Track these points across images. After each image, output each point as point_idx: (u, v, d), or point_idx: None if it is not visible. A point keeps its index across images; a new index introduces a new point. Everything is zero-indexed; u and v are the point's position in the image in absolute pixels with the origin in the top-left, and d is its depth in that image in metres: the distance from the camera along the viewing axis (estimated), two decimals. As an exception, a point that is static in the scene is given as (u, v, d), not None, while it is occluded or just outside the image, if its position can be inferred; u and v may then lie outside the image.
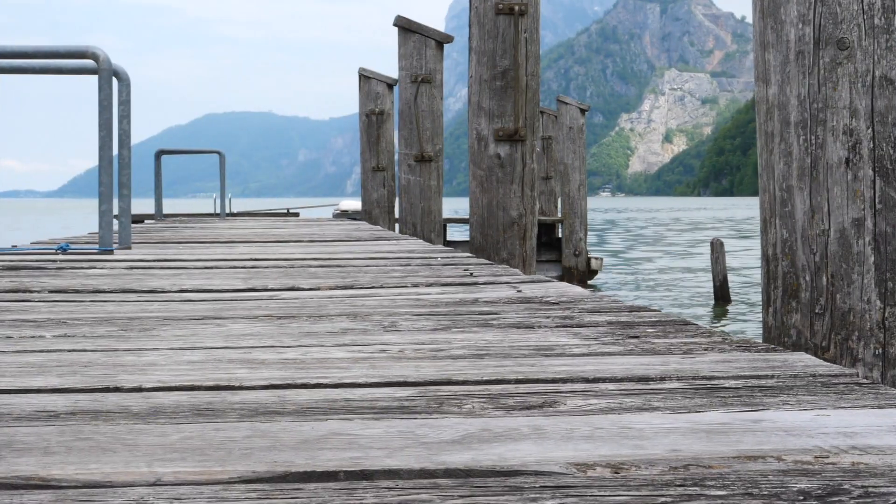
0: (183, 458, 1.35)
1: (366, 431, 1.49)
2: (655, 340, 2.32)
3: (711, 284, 13.95)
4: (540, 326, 2.58)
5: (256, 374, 1.95)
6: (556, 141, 17.90)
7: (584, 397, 1.73)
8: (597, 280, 16.53)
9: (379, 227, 10.52)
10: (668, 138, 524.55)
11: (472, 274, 4.19)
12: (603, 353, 2.16)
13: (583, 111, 16.51)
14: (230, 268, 4.76)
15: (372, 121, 12.36)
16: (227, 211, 14.10)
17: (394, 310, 2.97)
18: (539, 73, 6.07)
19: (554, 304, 3.05)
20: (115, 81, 6.16)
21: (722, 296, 13.44)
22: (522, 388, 1.81)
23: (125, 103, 6.43)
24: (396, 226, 12.60)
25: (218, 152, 14.94)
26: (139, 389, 1.83)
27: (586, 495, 1.19)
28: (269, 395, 1.76)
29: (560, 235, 17.09)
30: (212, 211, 18.46)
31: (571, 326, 2.57)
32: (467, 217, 20.38)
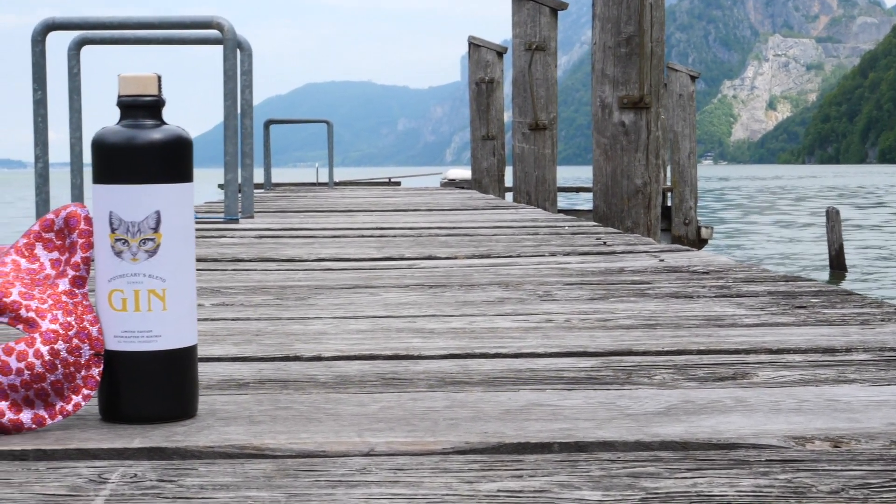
0: (391, 429, 1.34)
1: (565, 402, 1.48)
2: (826, 311, 2.27)
3: (826, 254, 13.74)
4: (699, 296, 2.54)
5: (432, 344, 1.94)
6: (666, 108, 17.73)
7: (773, 368, 1.70)
8: (706, 249, 16.38)
9: (491, 196, 10.50)
10: (771, 105, 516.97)
11: (605, 243, 4.15)
12: (777, 324, 2.11)
13: (693, 78, 16.33)
14: (358, 236, 4.77)
15: (482, 89, 12.32)
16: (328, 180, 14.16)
17: (542, 279, 2.94)
18: (664, 39, 6.00)
19: (703, 273, 3.00)
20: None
21: (838, 265, 13.23)
22: (707, 358, 1.78)
23: (247, 73, 6.47)
24: (506, 194, 12.58)
25: (326, 122, 15.02)
26: (319, 358, 1.83)
27: (818, 469, 1.16)
28: (451, 365, 1.75)
29: (669, 204, 16.94)
30: (312, 180, 18.58)
31: (732, 296, 2.53)
32: (577, 185, 20.26)
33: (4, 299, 1.35)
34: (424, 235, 4.77)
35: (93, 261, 1.40)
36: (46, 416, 1.35)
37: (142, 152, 1.35)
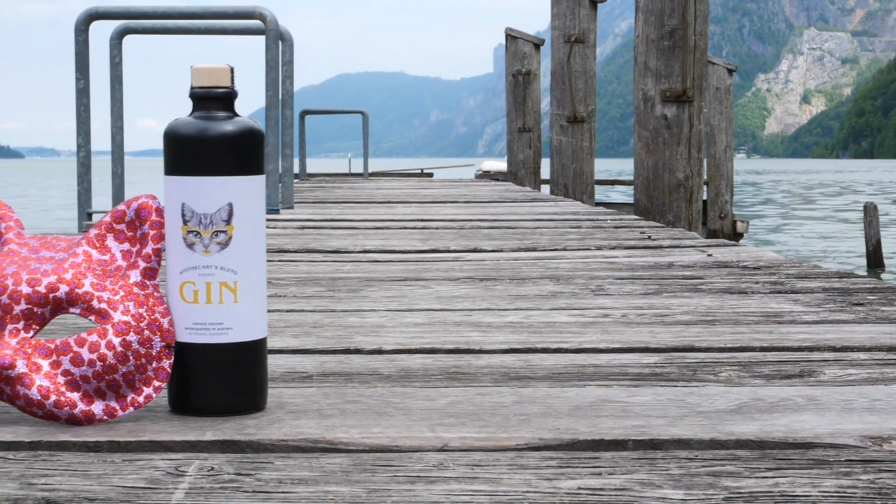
0: (462, 424, 1.34)
1: (634, 399, 1.47)
2: (884, 308, 2.25)
3: (864, 249, 13.65)
4: (753, 292, 2.53)
5: (491, 338, 1.93)
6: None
7: (840, 367, 1.68)
8: (742, 243, 16.27)
9: (528, 188, 10.49)
10: (805, 99, 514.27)
11: (650, 237, 4.14)
12: (836, 321, 2.10)
13: (730, 71, 16.25)
14: (400, 228, 4.77)
15: (518, 81, 12.30)
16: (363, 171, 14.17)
17: (592, 273, 2.93)
18: (707, 32, 5.97)
19: (754, 269, 2.99)
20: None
21: (875, 262, 13.14)
22: (770, 356, 1.77)
23: (288, 64, 6.48)
24: (542, 187, 12.55)
25: (361, 112, 15.02)
26: (380, 352, 1.82)
27: (900, 471, 1.15)
28: (513, 360, 1.75)
29: (705, 198, 16.87)
30: (345, 170, 18.59)
31: (786, 293, 2.51)
32: (612, 178, 20.18)
33: (77, 290, 1.36)
34: (467, 228, 4.76)
35: (164, 252, 1.40)
36: (118, 408, 1.35)
37: (215, 144, 1.35)
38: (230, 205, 1.35)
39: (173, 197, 1.37)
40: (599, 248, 3.69)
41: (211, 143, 1.35)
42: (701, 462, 1.18)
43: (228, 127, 1.36)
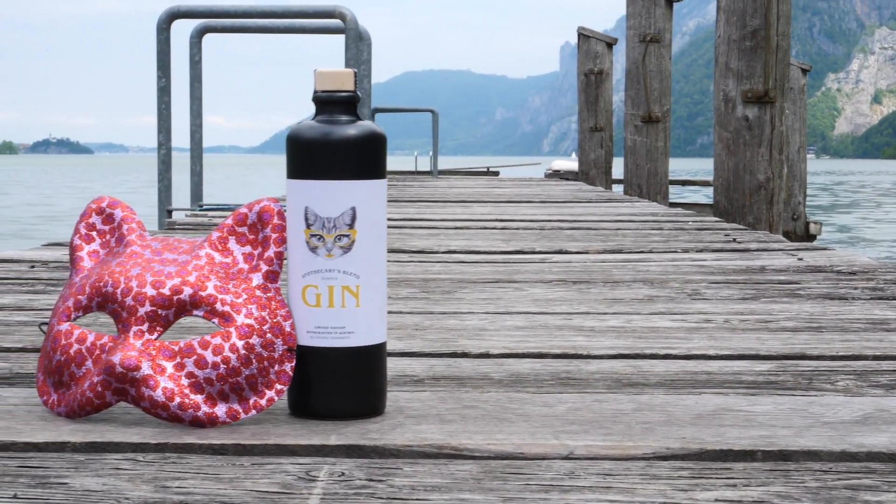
0: (586, 431, 1.33)
1: (755, 408, 1.45)
2: None
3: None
4: (854, 298, 2.49)
5: (597, 343, 1.92)
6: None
7: (958, 377, 1.65)
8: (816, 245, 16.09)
9: (601, 188, 10.45)
10: (876, 99, 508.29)
11: (735, 240, 4.10)
12: (945, 329, 2.07)
13: (804, 71, 16.09)
14: (480, 228, 4.76)
15: (590, 80, 12.25)
16: (432, 169, 14.20)
17: (684, 276, 2.91)
18: (789, 33, 5.91)
19: (850, 274, 2.95)
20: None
21: (952, 264, 12.97)
22: (885, 364, 1.74)
23: (366, 63, 6.49)
24: (614, 186, 12.50)
25: (431, 111, 15.04)
26: (487, 356, 1.82)
27: None
28: (623, 365, 1.73)
29: (776, 199, 16.70)
30: (411, 168, 18.61)
31: (888, 299, 2.47)
32: (684, 178, 20.04)
33: (200, 293, 1.36)
34: (547, 228, 4.75)
35: (285, 256, 1.40)
36: (240, 411, 1.35)
37: (339, 148, 1.35)
38: (353, 209, 1.35)
39: (296, 200, 1.37)
40: (686, 251, 3.67)
41: (335, 148, 1.35)
42: (836, 475, 1.16)
43: (352, 131, 1.36)
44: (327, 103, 1.38)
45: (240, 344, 1.34)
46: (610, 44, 12.32)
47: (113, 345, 1.36)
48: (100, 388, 1.34)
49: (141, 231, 1.47)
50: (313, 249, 1.36)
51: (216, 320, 1.36)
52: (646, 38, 9.20)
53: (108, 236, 1.49)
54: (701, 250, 3.69)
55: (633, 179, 9.42)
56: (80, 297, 1.41)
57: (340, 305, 1.36)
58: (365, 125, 1.37)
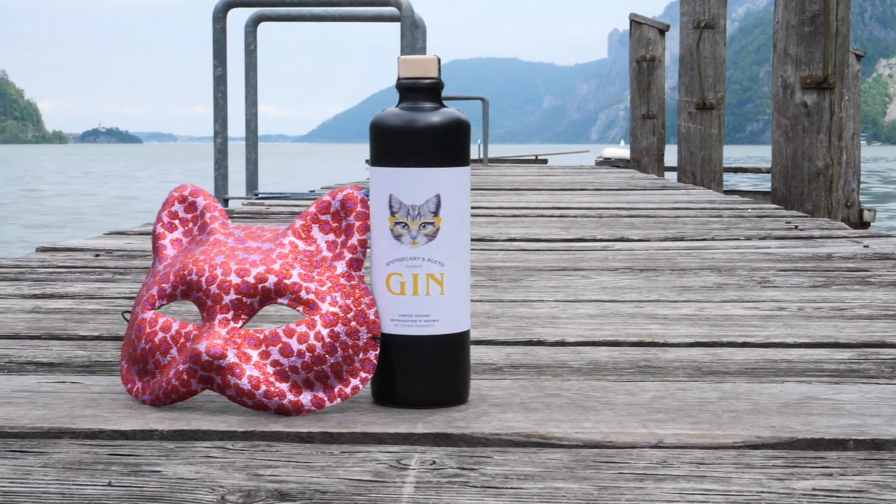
0: (673, 420, 1.32)
1: (841, 396, 1.43)
2: None
3: None
4: (926, 285, 2.47)
5: (672, 331, 1.91)
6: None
7: None
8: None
9: (653, 176, 10.40)
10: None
11: (797, 227, 4.07)
12: None
13: (858, 57, 15.93)
14: (538, 216, 4.75)
15: (643, 67, 12.19)
16: (482, 158, 14.18)
17: (751, 264, 2.89)
18: (849, 18, 5.85)
19: (919, 261, 2.92)
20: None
21: None
22: (968, 353, 1.72)
23: (421, 51, 6.48)
24: (665, 174, 12.43)
25: (481, 98, 15.03)
26: (563, 343, 1.81)
27: None
28: (701, 353, 1.72)
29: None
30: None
31: (962, 286, 2.45)
32: (736, 166, 19.91)
33: (285, 280, 1.36)
34: (605, 216, 4.73)
35: (368, 243, 1.40)
36: (326, 399, 1.35)
37: (423, 135, 1.35)
38: (438, 196, 1.35)
39: (380, 188, 1.36)
40: (749, 239, 3.64)
41: (419, 135, 1.35)
42: (933, 464, 1.15)
43: (436, 118, 1.35)
44: (411, 90, 1.37)
45: (325, 332, 1.34)
46: (662, 30, 12.25)
47: (198, 333, 1.36)
48: (185, 377, 1.35)
49: (223, 219, 1.47)
50: (398, 237, 1.35)
51: (301, 308, 1.36)
52: (700, 24, 9.14)
53: (190, 224, 1.49)
54: (764, 238, 3.66)
55: (687, 167, 9.37)
56: (164, 285, 1.41)
57: (425, 293, 1.36)
58: (449, 112, 1.36)
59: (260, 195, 6.13)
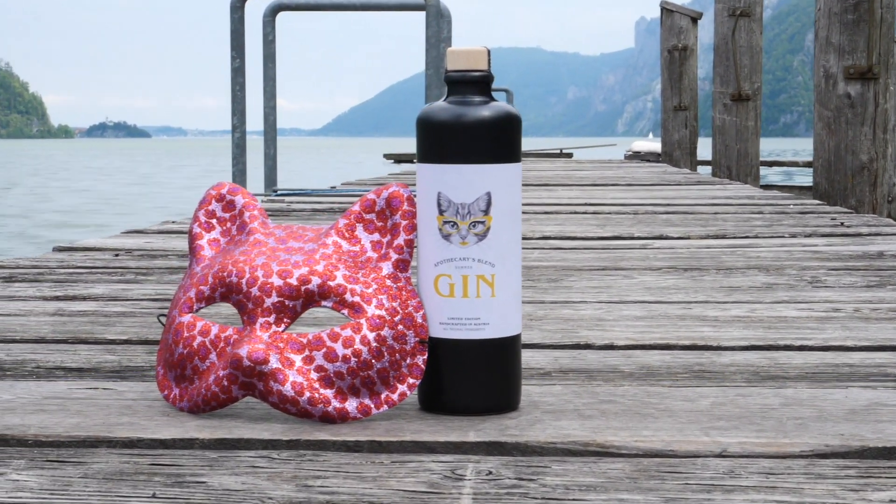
0: (735, 427, 1.31)
1: (910, 403, 1.42)
2: None
3: None
4: None
5: (725, 334, 1.90)
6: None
7: None
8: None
9: (686, 170, 10.37)
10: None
11: (843, 224, 4.05)
12: None
13: (899, 45, 15.85)
14: (570, 213, 4.74)
15: (674, 57, 12.16)
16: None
17: (799, 263, 2.87)
18: (894, 4, 5.82)
19: (975, 259, 2.90)
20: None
21: None
22: None
23: (446, 40, 6.48)
24: (699, 168, 12.40)
25: (505, 90, 15.03)
26: (612, 347, 1.80)
27: None
28: (758, 357, 1.71)
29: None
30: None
31: None
32: (771, 160, 19.83)
33: (329, 283, 1.36)
34: (641, 213, 4.71)
35: (415, 243, 1.39)
36: (372, 406, 1.35)
37: (473, 130, 1.34)
38: (489, 194, 1.34)
39: (428, 186, 1.36)
40: (794, 236, 3.62)
41: (469, 130, 1.34)
42: None
43: (486, 112, 1.35)
44: (460, 83, 1.37)
45: (371, 336, 1.33)
46: (695, 18, 12.22)
47: (238, 337, 1.36)
48: (226, 383, 1.34)
49: (263, 218, 1.47)
50: (446, 237, 1.35)
51: (346, 311, 1.35)
52: (735, 12, 9.11)
53: (228, 224, 1.49)
54: (809, 235, 3.65)
55: (722, 161, 9.34)
56: (202, 287, 1.41)
57: (475, 295, 1.35)
58: (499, 106, 1.36)
59: (279, 192, 6.13)
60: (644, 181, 7.69)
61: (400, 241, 1.39)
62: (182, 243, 3.42)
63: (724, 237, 3.63)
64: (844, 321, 2.01)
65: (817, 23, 5.86)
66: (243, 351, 1.33)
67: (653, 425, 1.32)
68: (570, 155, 20.22)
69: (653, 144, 17.62)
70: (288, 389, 1.32)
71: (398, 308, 1.35)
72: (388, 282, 1.37)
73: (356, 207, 1.42)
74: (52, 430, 1.31)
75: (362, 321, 1.34)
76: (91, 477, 1.15)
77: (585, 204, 5.28)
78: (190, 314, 1.41)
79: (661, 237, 3.64)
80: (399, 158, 27.79)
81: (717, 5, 9.29)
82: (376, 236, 1.41)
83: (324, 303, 1.36)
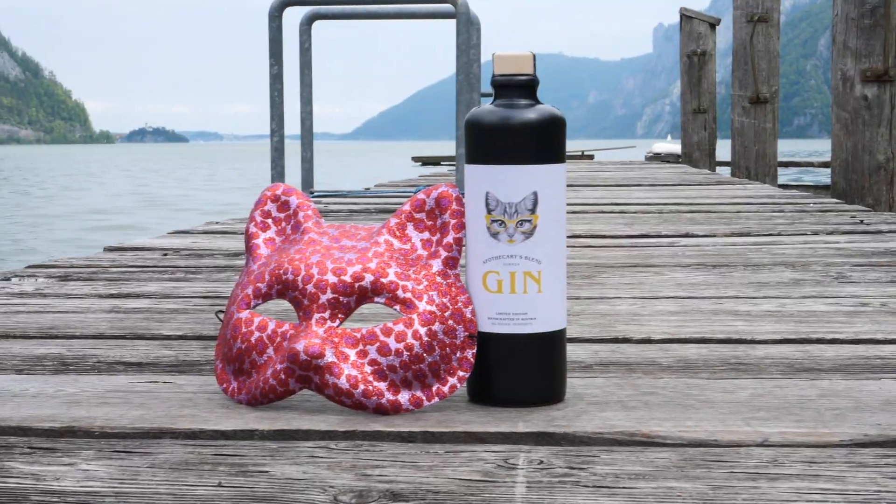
0: (776, 418, 1.30)
1: (943, 393, 1.41)
2: None
3: None
4: None
5: (758, 328, 1.89)
6: None
7: None
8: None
9: (706, 171, 10.34)
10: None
11: (862, 222, 4.03)
12: None
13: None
14: (598, 213, 4.73)
15: (693, 62, 12.13)
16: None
17: (824, 259, 2.86)
18: (909, 9, 5.78)
19: None
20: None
21: None
22: None
23: (476, 47, 6.47)
24: (717, 169, 12.36)
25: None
26: (649, 341, 1.80)
27: None
28: (791, 350, 1.70)
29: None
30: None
31: None
32: (787, 160, 19.75)
33: (382, 279, 1.36)
34: (665, 212, 4.70)
35: (464, 242, 1.39)
36: (423, 398, 1.34)
37: (519, 132, 1.34)
38: (535, 193, 1.34)
39: (476, 185, 1.36)
40: (816, 234, 3.61)
41: (515, 132, 1.34)
42: None
43: (532, 115, 1.34)
44: (506, 87, 1.36)
45: (422, 331, 1.33)
46: (713, 24, 12.19)
47: (295, 332, 1.36)
48: (283, 376, 1.34)
49: (317, 218, 1.47)
50: (494, 235, 1.35)
51: (398, 307, 1.35)
52: (753, 17, 9.08)
53: (283, 223, 1.49)
54: (831, 232, 3.63)
55: (741, 162, 9.31)
56: (259, 284, 1.41)
57: (522, 291, 1.35)
58: (545, 109, 1.36)
59: (316, 193, 6.13)
60: (666, 181, 7.68)
61: (449, 239, 1.39)
62: (226, 243, 3.43)
63: (748, 235, 3.62)
64: (873, 315, 2.00)
65: (834, 28, 5.84)
66: (300, 345, 1.33)
67: (695, 416, 1.32)
68: (591, 157, 20.19)
69: (672, 146, 17.58)
70: (343, 382, 1.32)
71: (448, 304, 1.35)
72: (438, 278, 1.37)
73: (406, 207, 1.42)
74: (118, 422, 1.31)
75: (414, 316, 1.34)
76: (158, 467, 1.15)
77: (611, 204, 5.27)
78: (248, 310, 1.41)
79: (687, 235, 3.63)
80: (426, 161, 27.80)
81: (736, 11, 9.26)
82: (426, 235, 1.41)
83: (377, 299, 1.36)
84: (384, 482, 1.09)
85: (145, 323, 2.00)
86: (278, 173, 6.00)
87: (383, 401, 1.33)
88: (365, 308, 2.05)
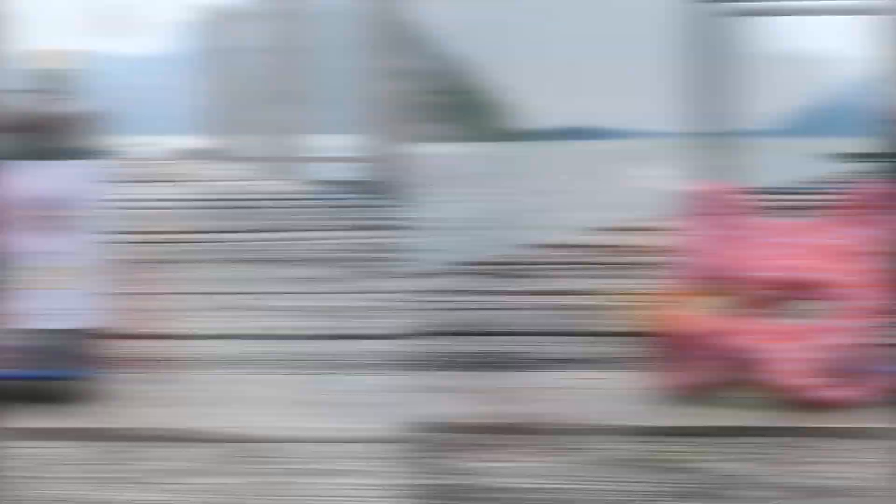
0: (314, 413, 1.45)
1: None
2: None
3: None
4: None
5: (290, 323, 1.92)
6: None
7: None
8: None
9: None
10: None
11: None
12: None
13: None
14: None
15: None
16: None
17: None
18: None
19: None
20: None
21: None
22: None
23: None
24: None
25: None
26: (187, 336, 1.87)
27: None
28: (324, 346, 1.83)
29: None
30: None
31: None
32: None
33: (818, 275, 1.42)
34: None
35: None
36: (858, 394, 1.42)
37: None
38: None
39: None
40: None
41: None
42: None
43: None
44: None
45: (857, 326, 1.38)
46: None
47: (731, 326, 1.43)
48: (719, 369, 1.44)
49: (750, 213, 1.50)
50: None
51: (832, 303, 1.40)
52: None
53: (716, 219, 1.53)
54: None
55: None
56: (695, 280, 1.48)
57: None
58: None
59: (759, 189, 5.51)
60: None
61: (883, 235, 1.43)
62: (643, 239, 2.94)
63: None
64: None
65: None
66: (737, 340, 1.42)
67: (236, 411, 1.41)
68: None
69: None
70: (781, 376, 1.40)
71: (882, 301, 1.40)
72: (874, 275, 1.41)
73: (839, 204, 1.45)
74: (554, 419, 1.38)
75: (849, 312, 1.40)
76: (596, 464, 1.23)
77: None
78: (683, 307, 1.49)
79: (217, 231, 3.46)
80: (848, 158, 25.58)
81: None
82: (859, 231, 1.43)
83: (812, 294, 1.43)
84: (820, 478, 1.21)
85: (574, 319, 2.03)
86: (707, 169, 5.78)
87: (820, 395, 1.40)
88: (802, 304, 1.76)
